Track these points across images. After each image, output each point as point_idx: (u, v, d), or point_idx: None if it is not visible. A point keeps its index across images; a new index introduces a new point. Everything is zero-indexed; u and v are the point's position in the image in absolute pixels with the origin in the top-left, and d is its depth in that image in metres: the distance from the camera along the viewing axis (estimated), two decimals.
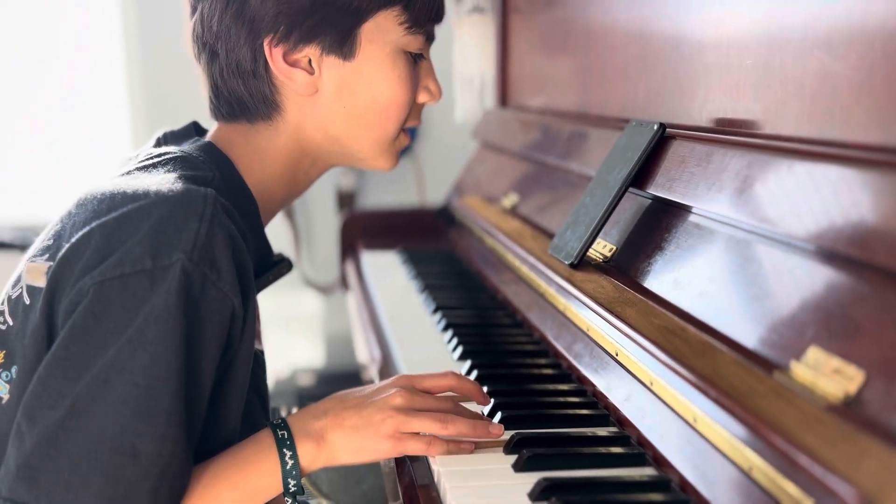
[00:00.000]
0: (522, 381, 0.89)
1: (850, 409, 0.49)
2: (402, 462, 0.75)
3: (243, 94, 0.81)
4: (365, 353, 1.17)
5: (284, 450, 0.71)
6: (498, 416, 0.79)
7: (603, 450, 0.73)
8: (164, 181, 0.71)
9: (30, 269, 0.72)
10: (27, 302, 0.71)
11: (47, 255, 0.71)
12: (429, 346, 1.05)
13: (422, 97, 0.87)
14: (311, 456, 0.71)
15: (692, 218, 0.79)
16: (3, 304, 0.74)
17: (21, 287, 0.72)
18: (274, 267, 0.86)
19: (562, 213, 1.10)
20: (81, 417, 0.63)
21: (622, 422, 0.77)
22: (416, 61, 0.85)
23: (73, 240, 0.68)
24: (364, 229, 1.73)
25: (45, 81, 2.49)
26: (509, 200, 1.34)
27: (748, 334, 0.63)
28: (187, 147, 0.81)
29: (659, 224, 0.84)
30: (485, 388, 0.85)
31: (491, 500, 0.65)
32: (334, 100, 0.81)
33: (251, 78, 0.80)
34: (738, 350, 0.62)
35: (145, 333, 0.64)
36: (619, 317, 0.74)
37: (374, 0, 0.79)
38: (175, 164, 0.76)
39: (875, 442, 0.45)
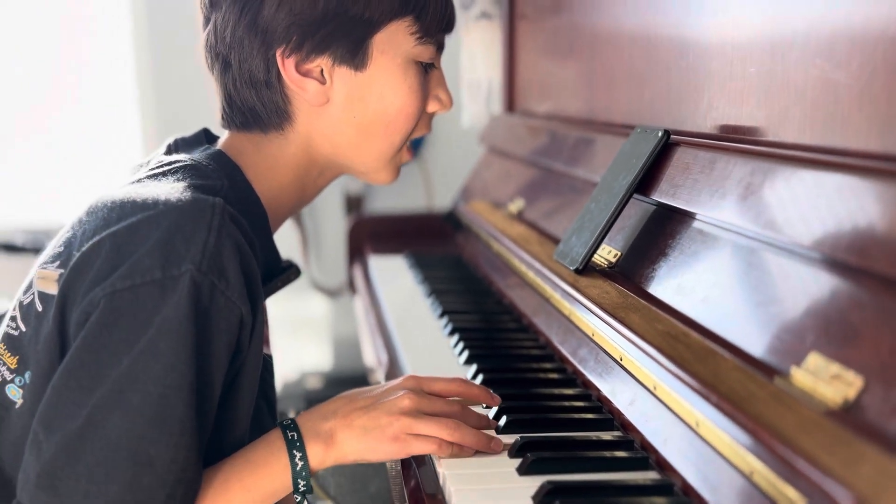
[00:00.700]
0: (527, 386, 0.90)
1: (848, 415, 0.50)
2: (408, 466, 0.76)
3: (256, 104, 0.82)
4: (372, 356, 1.18)
5: (295, 451, 0.72)
6: (503, 419, 0.80)
7: (606, 454, 0.73)
8: (174, 190, 0.72)
9: (41, 277, 0.73)
10: (39, 309, 0.72)
11: (58, 263, 0.72)
12: (435, 351, 1.05)
13: (432, 106, 0.87)
14: (320, 456, 0.73)
15: (696, 224, 0.80)
16: (15, 309, 0.76)
17: (33, 293, 0.74)
18: (282, 273, 0.86)
19: (567, 218, 1.11)
20: (98, 427, 0.65)
21: (626, 426, 0.77)
22: (427, 71, 0.86)
23: (84, 248, 0.69)
24: (372, 234, 1.74)
25: (56, 86, 2.51)
26: (515, 206, 1.35)
27: (750, 340, 0.64)
28: (197, 155, 0.82)
29: (663, 230, 0.85)
30: (491, 391, 0.86)
31: (494, 503, 0.66)
32: (344, 109, 0.82)
33: (264, 88, 0.81)
34: (739, 356, 0.63)
35: (157, 344, 0.66)
36: (623, 322, 0.75)
37: (385, 11, 0.80)
38: (185, 173, 0.77)
39: (872, 447, 0.45)
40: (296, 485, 0.72)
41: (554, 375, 0.92)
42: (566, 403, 0.85)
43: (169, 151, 0.86)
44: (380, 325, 1.21)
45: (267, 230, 0.83)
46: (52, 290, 0.71)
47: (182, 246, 0.67)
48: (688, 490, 0.65)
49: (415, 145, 2.44)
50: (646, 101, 1.05)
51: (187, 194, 0.71)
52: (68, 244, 0.74)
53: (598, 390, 0.84)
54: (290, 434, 0.73)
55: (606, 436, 0.77)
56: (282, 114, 0.82)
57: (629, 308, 0.77)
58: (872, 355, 0.52)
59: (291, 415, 1.16)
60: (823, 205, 0.61)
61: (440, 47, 0.87)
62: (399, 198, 2.46)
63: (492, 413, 0.82)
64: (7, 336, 0.75)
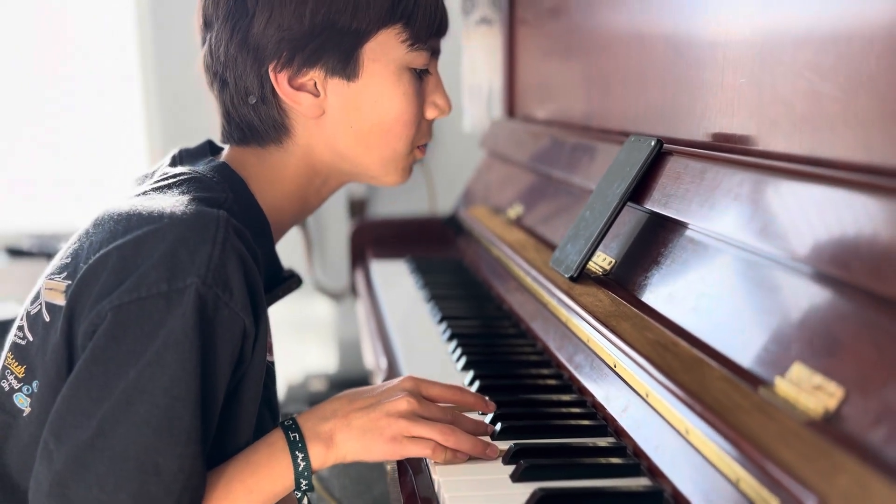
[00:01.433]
0: (524, 392, 0.91)
1: (828, 425, 0.51)
2: (404, 472, 0.77)
3: (254, 120, 0.83)
4: (372, 360, 1.19)
5: (297, 452, 0.74)
6: (498, 426, 0.81)
7: (599, 460, 0.74)
8: (179, 203, 0.73)
9: (49, 288, 0.75)
10: (47, 319, 0.74)
11: (66, 274, 0.74)
12: (433, 356, 1.07)
13: (429, 113, 0.87)
14: (321, 457, 0.74)
15: (687, 233, 0.81)
16: (22, 319, 0.77)
17: (40, 304, 0.75)
18: (283, 282, 0.88)
19: (564, 225, 1.12)
20: (107, 437, 0.66)
21: (619, 432, 0.78)
22: (422, 77, 0.86)
23: (91, 261, 0.71)
24: (374, 238, 1.76)
25: (63, 92, 2.54)
26: (514, 211, 1.36)
27: (737, 350, 0.65)
28: (202, 167, 0.83)
29: (656, 239, 0.86)
30: (486, 398, 0.88)
31: None
32: (341, 120, 0.83)
33: (260, 104, 0.82)
34: (727, 365, 0.64)
35: (164, 356, 0.67)
36: (615, 331, 0.76)
37: (373, 20, 0.80)
38: (189, 185, 0.78)
39: (849, 457, 0.46)
40: (298, 484, 0.74)
41: (551, 381, 0.94)
42: (562, 410, 0.86)
43: (174, 163, 0.88)
44: (380, 329, 1.22)
45: (269, 241, 0.85)
46: (60, 301, 0.72)
47: (187, 259, 0.69)
48: (678, 497, 0.66)
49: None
50: (641, 109, 1.06)
51: (192, 207, 0.72)
52: (75, 256, 0.75)
53: (593, 396, 0.85)
54: (291, 435, 0.75)
55: (600, 442, 0.78)
56: (280, 128, 0.83)
57: (621, 316, 0.79)
58: (854, 367, 0.53)
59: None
60: (809, 216, 0.62)
61: (435, 52, 0.87)
62: (402, 201, 2.47)
63: (488, 419, 0.83)
64: (15, 345, 0.76)
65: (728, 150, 0.81)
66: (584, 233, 0.93)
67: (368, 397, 0.78)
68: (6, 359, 0.77)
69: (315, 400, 2.10)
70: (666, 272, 0.81)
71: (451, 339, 1.10)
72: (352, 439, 0.74)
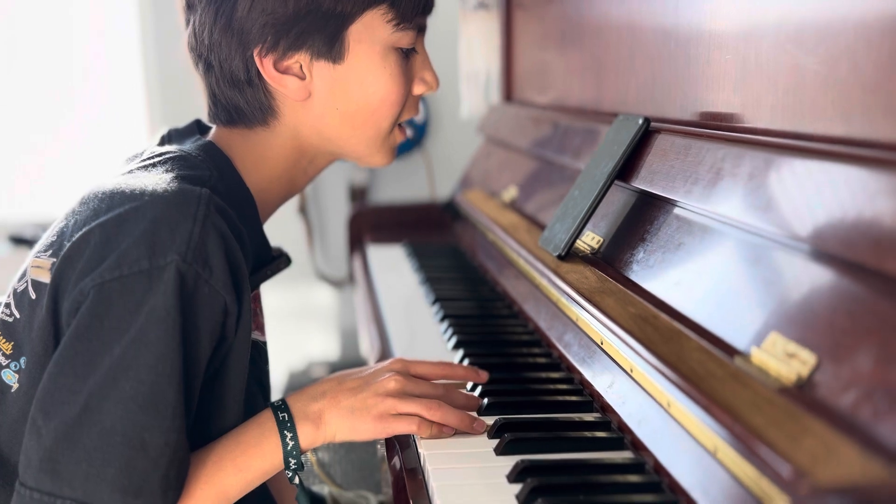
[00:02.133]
0: (513, 370, 0.91)
1: (800, 392, 0.51)
2: (392, 448, 0.78)
3: (240, 102, 0.83)
4: (367, 343, 1.20)
5: (285, 431, 0.75)
6: (485, 401, 0.81)
7: (584, 434, 0.75)
8: (161, 181, 0.73)
9: (35, 265, 0.75)
10: (32, 297, 0.74)
11: (51, 252, 0.74)
12: (426, 337, 1.07)
13: (418, 89, 0.87)
14: (310, 437, 0.75)
15: (672, 209, 0.81)
16: (9, 296, 0.78)
17: (27, 281, 0.76)
18: (272, 262, 0.88)
19: (556, 206, 1.12)
20: (94, 413, 0.67)
21: (605, 408, 0.79)
22: (409, 56, 0.86)
23: (75, 238, 0.71)
24: (372, 224, 1.76)
25: (65, 80, 2.55)
26: (509, 194, 1.36)
27: (716, 321, 0.65)
28: (188, 146, 0.83)
29: (643, 216, 0.86)
30: (477, 369, 0.88)
31: (471, 481, 0.68)
32: (327, 102, 0.83)
33: (246, 87, 0.82)
34: (706, 337, 0.64)
35: (147, 333, 0.68)
36: (598, 306, 0.77)
37: (358, 2, 0.80)
38: (173, 164, 0.78)
39: (817, 421, 0.47)
40: (287, 463, 0.75)
41: (540, 360, 0.94)
42: (549, 387, 0.86)
43: (162, 142, 0.88)
44: (374, 312, 1.23)
45: (256, 220, 0.85)
46: (45, 278, 0.73)
47: (168, 236, 0.69)
48: (659, 469, 0.67)
49: (418, 135, 2.46)
50: (632, 90, 1.07)
51: (174, 185, 0.73)
52: (61, 234, 0.76)
53: (581, 374, 0.86)
54: (281, 415, 0.76)
55: (586, 417, 0.78)
56: (266, 110, 0.83)
57: (605, 292, 0.79)
58: (827, 335, 0.53)
59: None
60: (789, 189, 0.62)
61: (421, 29, 0.87)
62: (402, 188, 2.48)
63: (476, 393, 0.84)
64: (2, 322, 0.77)
65: (713, 127, 0.81)
66: (572, 212, 0.93)
67: (357, 378, 0.79)
68: None
69: None
70: (651, 249, 0.81)
71: (443, 319, 1.10)
72: (340, 419, 0.75)
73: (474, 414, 0.80)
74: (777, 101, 0.73)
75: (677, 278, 0.74)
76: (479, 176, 1.65)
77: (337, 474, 1.67)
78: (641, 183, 0.85)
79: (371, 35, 0.82)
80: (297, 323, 2.61)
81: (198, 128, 0.90)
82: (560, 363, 0.92)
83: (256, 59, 0.80)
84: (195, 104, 0.90)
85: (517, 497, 0.65)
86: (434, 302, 1.18)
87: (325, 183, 2.50)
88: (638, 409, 0.73)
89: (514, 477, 0.68)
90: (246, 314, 0.76)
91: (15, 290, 0.77)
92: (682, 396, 0.60)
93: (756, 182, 0.65)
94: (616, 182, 0.92)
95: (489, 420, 0.78)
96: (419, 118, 2.42)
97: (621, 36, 1.09)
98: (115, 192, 0.73)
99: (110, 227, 0.70)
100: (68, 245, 0.72)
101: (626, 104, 1.08)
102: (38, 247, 0.78)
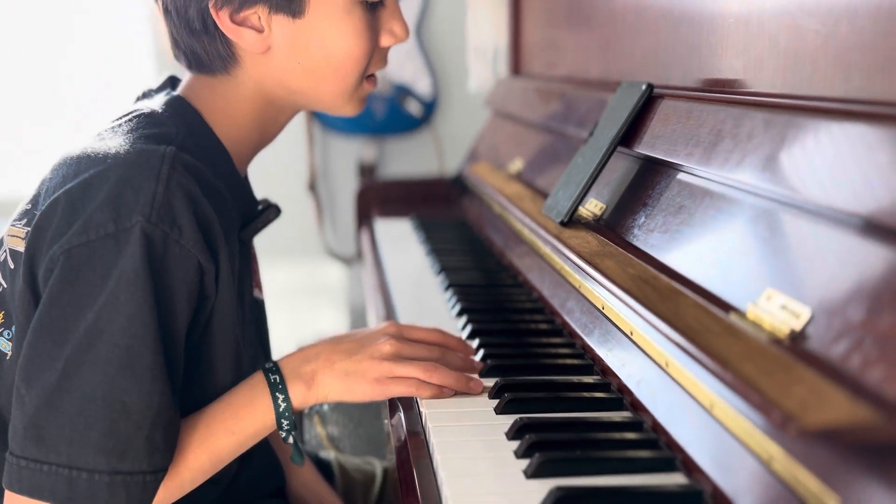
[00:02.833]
0: (515, 335, 0.92)
1: (793, 344, 0.52)
2: (393, 407, 0.79)
3: (198, 50, 0.80)
4: (373, 311, 1.21)
5: (277, 393, 0.75)
6: (487, 364, 0.82)
7: (583, 395, 0.76)
8: (125, 142, 0.72)
9: (11, 234, 0.75)
10: (11, 266, 0.75)
11: (25, 221, 0.74)
12: (430, 305, 1.08)
13: (385, 40, 0.83)
14: (302, 397, 0.76)
15: (674, 174, 0.82)
16: None
17: (5, 251, 0.76)
18: (261, 214, 0.87)
19: (561, 175, 1.12)
20: (73, 378, 0.67)
21: (605, 371, 0.80)
22: (375, 8, 0.81)
23: (44, 207, 0.71)
24: (380, 199, 1.77)
25: (75, 62, 2.56)
26: (515, 166, 1.36)
27: (714, 280, 0.66)
28: (155, 103, 0.81)
29: (644, 182, 0.87)
30: (476, 341, 0.89)
31: (469, 438, 0.69)
32: (288, 56, 0.79)
33: (203, 35, 0.79)
34: (704, 295, 0.65)
35: (118, 296, 0.67)
36: (598, 268, 0.77)
37: None
38: (138, 123, 0.76)
39: (808, 371, 0.47)
40: (280, 424, 0.76)
41: (543, 326, 0.95)
42: (551, 351, 0.87)
43: (137, 102, 0.85)
44: (380, 283, 1.24)
45: (234, 172, 0.83)
46: (21, 247, 0.73)
47: (132, 198, 0.68)
48: (657, 427, 0.68)
49: (427, 112, 2.46)
50: (638, 59, 1.07)
51: (137, 146, 0.72)
52: (35, 201, 0.76)
53: (582, 339, 0.86)
54: (272, 377, 0.76)
55: (585, 379, 0.79)
56: (227, 59, 0.80)
57: (606, 255, 0.80)
58: (821, 289, 0.54)
59: None
60: (785, 148, 0.62)
61: None
62: (411, 165, 2.48)
63: (478, 358, 0.85)
64: None
65: (718, 90, 0.81)
66: (575, 179, 0.94)
67: (352, 341, 0.79)
68: None
69: None
70: (653, 213, 0.82)
71: (448, 288, 1.11)
72: (334, 381, 0.76)
73: (474, 375, 0.80)
74: (779, 64, 0.73)
75: (677, 240, 0.75)
76: (487, 150, 1.65)
77: (346, 448, 1.69)
78: (644, 148, 0.85)
79: None
80: (306, 299, 2.63)
81: (171, 84, 0.87)
82: (562, 329, 0.93)
83: (212, 10, 0.77)
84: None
85: (515, 453, 0.66)
86: (440, 272, 1.19)
87: (334, 160, 2.51)
88: (637, 370, 0.73)
89: (512, 434, 0.68)
90: (225, 272, 0.75)
91: None
92: (678, 353, 0.61)
93: (756, 142, 0.65)
94: (620, 149, 0.92)
95: (489, 382, 0.79)
96: (427, 95, 2.42)
97: (626, 5, 1.09)
98: (80, 157, 0.73)
99: (75, 192, 0.70)
100: (38, 214, 0.72)
101: (631, 73, 1.08)
102: (14, 215, 0.78)
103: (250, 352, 0.84)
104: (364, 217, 1.74)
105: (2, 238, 0.78)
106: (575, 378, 0.80)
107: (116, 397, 0.67)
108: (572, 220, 0.94)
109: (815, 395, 0.45)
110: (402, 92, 2.39)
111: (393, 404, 0.80)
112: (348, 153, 2.49)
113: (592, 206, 0.96)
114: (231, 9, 0.77)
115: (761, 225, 0.64)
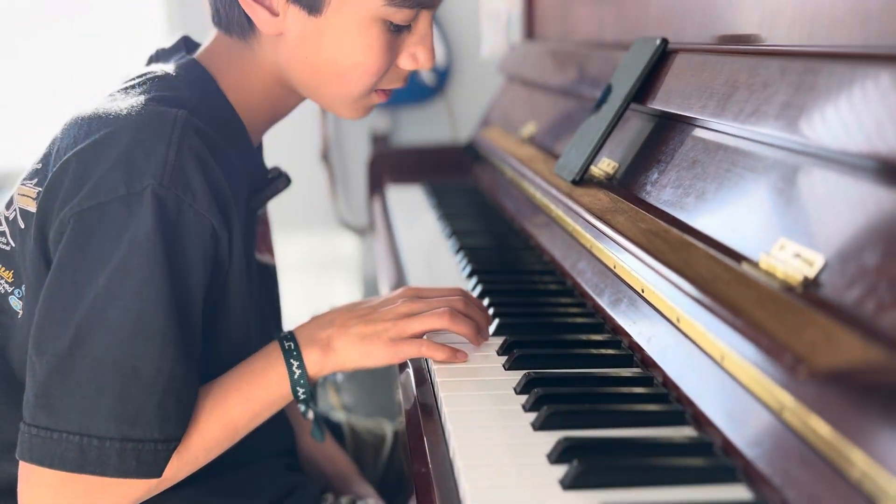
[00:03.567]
0: (525, 295, 0.92)
1: (806, 291, 0.51)
2: (403, 364, 0.79)
3: (220, 7, 0.79)
4: (384, 275, 1.21)
5: (292, 360, 0.74)
6: (496, 322, 0.82)
7: (593, 351, 0.75)
8: (136, 104, 0.71)
9: (21, 193, 0.75)
10: (22, 226, 0.74)
11: (37, 180, 0.74)
12: (441, 268, 1.08)
13: (404, 63, 0.79)
14: (318, 364, 0.74)
15: (688, 129, 0.80)
16: (2, 224, 0.77)
17: (15, 210, 0.75)
18: (272, 183, 0.86)
19: (573, 135, 1.11)
20: (84, 344, 0.66)
21: (616, 329, 0.79)
22: (401, 31, 0.78)
23: (56, 168, 0.70)
24: (392, 167, 1.76)
25: (84, 32, 2.56)
26: (528, 130, 1.35)
27: (727, 232, 0.65)
28: (170, 66, 0.80)
29: (658, 138, 0.85)
30: (487, 300, 0.89)
31: (477, 392, 0.69)
32: (296, 48, 0.78)
33: None
34: (717, 247, 0.64)
35: (130, 260, 0.66)
36: (609, 223, 0.76)
37: None
38: (152, 85, 0.75)
39: (820, 315, 0.47)
40: (295, 392, 0.74)
41: (553, 287, 0.94)
42: (561, 310, 0.86)
43: (149, 63, 0.84)
44: (391, 247, 1.23)
45: (246, 140, 0.82)
46: (32, 207, 0.72)
47: (143, 161, 0.67)
48: (667, 382, 0.67)
49: (440, 81, 2.44)
50: (652, 17, 1.05)
51: (149, 108, 0.71)
52: (45, 161, 0.74)
53: (594, 299, 0.86)
54: (286, 344, 0.75)
55: (595, 337, 0.79)
56: (244, 28, 0.79)
57: (617, 211, 0.78)
58: (834, 237, 0.53)
59: None
60: (800, 95, 0.61)
61: (427, 6, 0.78)
62: (424, 133, 2.47)
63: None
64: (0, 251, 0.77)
65: (733, 43, 0.79)
66: (588, 137, 0.92)
67: (367, 307, 0.78)
68: None
69: None
70: (666, 169, 0.80)
71: (458, 251, 1.11)
72: (351, 346, 0.74)
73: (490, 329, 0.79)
74: (795, 14, 0.71)
75: (690, 195, 0.73)
76: (500, 115, 1.64)
77: (359, 414, 1.70)
78: (658, 103, 0.84)
79: (359, 1, 0.75)
80: (319, 270, 2.63)
81: (185, 45, 0.86)
82: (573, 290, 0.92)
83: None
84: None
85: (523, 406, 0.66)
86: (450, 235, 1.19)
87: (346, 130, 2.50)
88: (648, 327, 0.73)
89: (521, 388, 0.68)
90: (237, 239, 0.74)
91: (6, 218, 0.76)
92: (690, 305, 0.60)
93: (771, 90, 0.64)
94: (634, 106, 0.90)
95: (498, 340, 0.78)
96: (440, 64, 2.40)
97: None
98: (92, 117, 0.71)
99: (86, 154, 0.69)
100: (50, 175, 0.71)
101: (646, 33, 1.06)
102: (24, 174, 0.77)
103: (259, 319, 0.82)
104: (376, 185, 1.73)
105: (12, 196, 0.77)
106: (584, 336, 0.79)
107: (128, 363, 0.66)
108: (584, 180, 0.93)
109: (827, 337, 0.44)
110: None
111: (403, 365, 0.79)
112: (361, 123, 2.48)
113: (605, 166, 0.94)
114: None
115: (774, 175, 0.63)
